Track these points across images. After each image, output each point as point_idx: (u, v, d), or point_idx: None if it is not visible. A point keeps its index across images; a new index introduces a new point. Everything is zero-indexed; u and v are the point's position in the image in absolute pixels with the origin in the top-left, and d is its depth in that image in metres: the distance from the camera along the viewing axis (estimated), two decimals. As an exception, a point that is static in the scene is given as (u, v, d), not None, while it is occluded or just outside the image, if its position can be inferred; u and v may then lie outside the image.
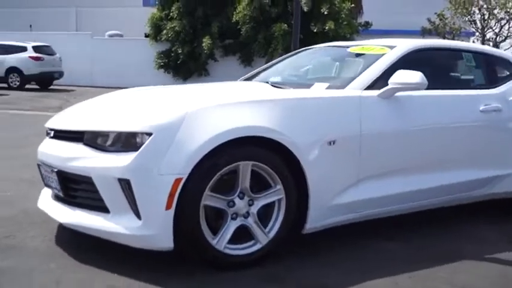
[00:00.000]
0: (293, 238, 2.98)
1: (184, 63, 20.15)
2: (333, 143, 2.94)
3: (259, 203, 2.81)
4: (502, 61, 4.03)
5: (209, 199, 2.65)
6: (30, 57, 17.49)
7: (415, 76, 3.10)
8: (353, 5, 18.30)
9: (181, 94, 3.36)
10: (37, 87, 18.28)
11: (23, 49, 17.64)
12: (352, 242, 3.25)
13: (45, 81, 18.28)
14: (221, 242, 2.70)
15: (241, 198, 2.76)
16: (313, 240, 3.13)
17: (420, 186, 3.33)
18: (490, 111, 3.62)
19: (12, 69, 17.44)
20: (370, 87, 3.19)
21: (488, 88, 3.79)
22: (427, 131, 3.34)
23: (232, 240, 2.74)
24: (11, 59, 17.43)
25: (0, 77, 17.10)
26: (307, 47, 4.45)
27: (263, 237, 2.81)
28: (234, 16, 18.52)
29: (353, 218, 3.14)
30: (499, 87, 3.80)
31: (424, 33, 21.37)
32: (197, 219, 2.60)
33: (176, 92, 3.49)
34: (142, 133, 2.60)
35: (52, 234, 3.17)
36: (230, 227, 2.73)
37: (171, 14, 19.57)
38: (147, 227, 2.57)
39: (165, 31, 19.80)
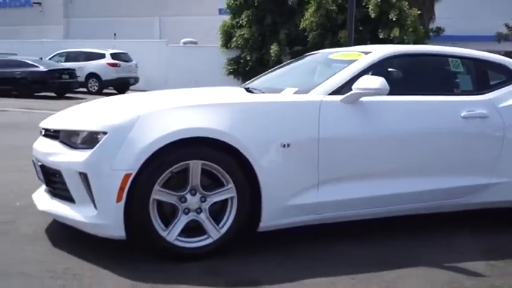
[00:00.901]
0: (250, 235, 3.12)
1: (252, 70, 20.51)
2: (288, 146, 3.05)
3: (212, 200, 2.98)
4: (498, 66, 3.89)
5: (159, 194, 2.87)
6: (108, 63, 18.73)
7: (375, 81, 3.13)
8: (419, 12, 17.76)
9: (149, 98, 3.60)
10: (115, 91, 19.48)
11: (102, 56, 18.93)
12: (307, 242, 3.33)
13: (121, 86, 19.43)
14: (172, 234, 2.90)
15: (193, 195, 2.95)
16: (268, 239, 3.24)
17: (387, 192, 3.33)
18: (474, 117, 3.54)
19: (91, 75, 18.77)
20: (336, 92, 3.26)
21: (475, 94, 3.69)
22: (395, 137, 3.34)
23: (185, 234, 2.94)
24: (91, 65, 18.76)
25: (80, 82, 18.42)
26: (307, 54, 4.56)
27: (215, 232, 2.98)
28: (302, 23, 18.66)
29: (314, 219, 3.22)
30: (490, 93, 3.69)
31: (500, 38, 20.20)
32: (147, 212, 2.83)
33: (148, 96, 3.76)
34: (100, 132, 2.88)
35: (46, 223, 3.51)
36: (181, 221, 2.93)
37: (241, 21, 20.07)
38: (101, 216, 2.84)
39: (234, 38, 20.34)
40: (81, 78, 18.60)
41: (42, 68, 16.27)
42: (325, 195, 3.18)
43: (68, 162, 2.95)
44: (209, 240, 2.98)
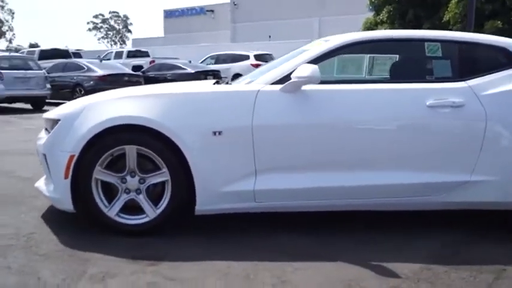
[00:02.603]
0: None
1: (395, 66, 19.86)
2: (219, 134, 3.18)
3: (150, 182, 3.27)
4: (493, 49, 3.44)
5: (101, 174, 3.25)
6: (251, 64, 19.74)
7: (307, 70, 3.09)
8: None
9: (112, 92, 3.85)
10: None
11: (246, 57, 20.06)
12: (248, 229, 3.42)
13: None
14: (112, 211, 3.26)
15: (133, 177, 3.27)
16: (213, 222, 3.40)
17: (330, 184, 3.22)
18: (444, 106, 3.21)
19: (236, 75, 19.95)
20: (280, 81, 3.28)
21: (452, 81, 3.34)
22: (338, 127, 3.22)
23: (125, 211, 3.28)
24: (236, 67, 20.01)
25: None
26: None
27: (151, 212, 3.26)
28: (446, 15, 17.47)
29: (252, 207, 3.28)
30: (473, 79, 3.30)
31: None
32: (90, 189, 3.23)
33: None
34: (56, 120, 3.37)
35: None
36: (121, 200, 3.28)
37: (381, 17, 19.51)
38: (56, 191, 3.32)
39: (376, 35, 19.85)
40: (228, 78, 19.90)
41: (190, 70, 17.91)
42: (263, 184, 3.22)
43: (39, 145, 3.50)
44: (146, 219, 3.27)
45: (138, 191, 3.28)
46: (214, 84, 3.78)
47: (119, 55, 23.76)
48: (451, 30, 17.45)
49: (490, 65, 3.46)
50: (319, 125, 3.22)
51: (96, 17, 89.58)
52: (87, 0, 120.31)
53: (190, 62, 19.18)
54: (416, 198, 3.30)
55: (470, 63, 3.45)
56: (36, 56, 19.99)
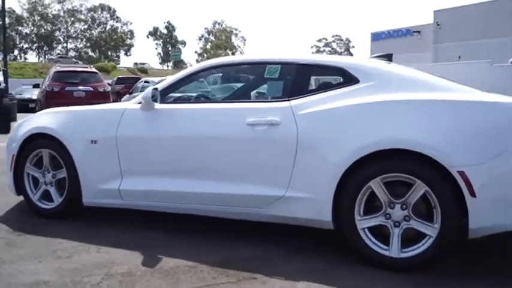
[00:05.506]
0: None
1: None
2: (95, 142, 4.04)
3: (57, 177, 4.29)
4: (328, 69, 3.56)
5: (30, 169, 4.40)
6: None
7: (143, 93, 3.79)
8: None
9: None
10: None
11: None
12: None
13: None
14: (35, 197, 4.37)
15: (48, 172, 4.34)
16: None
17: (175, 189, 3.75)
18: (262, 124, 3.48)
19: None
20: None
21: (278, 101, 3.56)
22: (179, 141, 3.74)
23: (44, 198, 4.36)
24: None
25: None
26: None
27: (57, 200, 4.28)
28: None
29: (119, 203, 4.03)
30: (298, 99, 3.48)
31: None
32: (22, 180, 4.41)
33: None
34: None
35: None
36: (41, 189, 4.37)
37: None
38: (9, 180, 4.57)
39: None
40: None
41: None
42: (126, 185, 3.96)
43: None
44: (54, 205, 4.29)
45: (51, 184, 4.33)
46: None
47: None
48: None
49: (323, 85, 3.56)
50: (165, 137, 3.82)
51: (319, 40, 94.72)
52: (312, 25, 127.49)
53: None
54: (245, 209, 3.61)
55: (301, 83, 3.58)
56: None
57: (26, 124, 4.47)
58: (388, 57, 4.02)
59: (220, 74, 4.55)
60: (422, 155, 3.04)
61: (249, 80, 4.09)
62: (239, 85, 4.13)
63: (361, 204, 3.23)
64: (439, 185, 3.02)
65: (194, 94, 4.43)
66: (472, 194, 2.95)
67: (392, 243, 3.15)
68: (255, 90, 4.03)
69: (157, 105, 3.88)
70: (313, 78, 3.68)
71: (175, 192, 3.78)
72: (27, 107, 19.72)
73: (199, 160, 3.70)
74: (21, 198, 4.52)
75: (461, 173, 2.95)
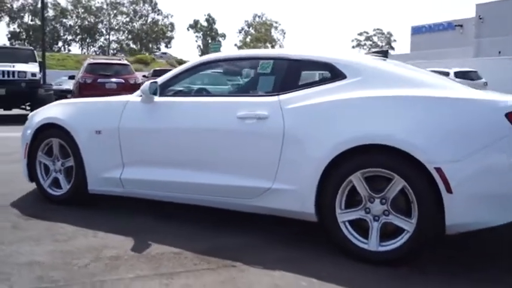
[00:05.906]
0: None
1: None
2: (99, 132, 4.25)
3: (66, 165, 4.52)
4: (317, 65, 3.63)
5: (42, 158, 4.65)
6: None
7: (143, 86, 3.94)
8: None
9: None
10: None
11: (446, 74, 19.10)
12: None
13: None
14: (45, 184, 4.63)
15: (58, 161, 4.58)
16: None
17: (177, 179, 3.90)
18: (251, 118, 3.59)
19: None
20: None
21: (268, 95, 3.65)
22: (176, 132, 3.90)
23: (54, 185, 4.60)
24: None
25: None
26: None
27: (66, 187, 4.52)
28: None
29: (121, 192, 4.23)
30: (286, 94, 3.57)
31: None
32: (35, 167, 4.68)
33: None
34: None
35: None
36: (51, 176, 4.61)
37: None
38: (23, 167, 4.84)
39: None
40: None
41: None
42: (127, 174, 4.15)
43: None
44: (62, 192, 4.53)
45: (60, 172, 4.57)
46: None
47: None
48: None
49: (311, 80, 3.63)
50: (162, 129, 3.99)
51: (360, 34, 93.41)
52: (353, 18, 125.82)
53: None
54: (235, 200, 3.74)
55: (291, 78, 3.67)
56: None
57: (39, 115, 4.72)
58: (384, 54, 4.06)
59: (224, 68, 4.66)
60: (400, 151, 3.08)
61: (243, 75, 4.22)
62: (235, 79, 4.25)
63: (343, 198, 3.30)
64: (416, 181, 3.06)
65: (194, 87, 4.57)
66: (449, 190, 2.98)
67: (371, 237, 3.21)
68: (249, 85, 4.15)
69: (157, 98, 4.05)
70: (303, 73, 3.75)
71: (170, 182, 3.94)
72: (66, 97, 20.34)
73: (193, 152, 3.85)
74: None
75: (438, 170, 2.99)
